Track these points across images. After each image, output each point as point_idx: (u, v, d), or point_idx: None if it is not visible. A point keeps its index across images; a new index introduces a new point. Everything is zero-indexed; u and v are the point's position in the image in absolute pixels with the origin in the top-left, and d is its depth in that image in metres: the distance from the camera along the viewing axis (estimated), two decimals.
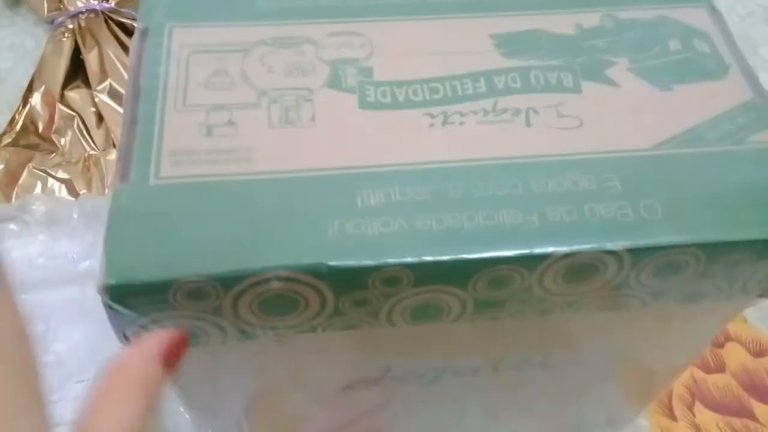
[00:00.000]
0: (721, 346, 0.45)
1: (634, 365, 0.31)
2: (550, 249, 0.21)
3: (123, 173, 0.22)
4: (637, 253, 0.22)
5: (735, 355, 0.45)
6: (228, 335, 0.22)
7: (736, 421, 0.42)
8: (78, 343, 0.32)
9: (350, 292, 0.21)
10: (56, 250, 0.31)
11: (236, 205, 0.22)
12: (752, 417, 0.42)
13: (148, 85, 0.24)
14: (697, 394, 0.43)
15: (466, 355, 0.27)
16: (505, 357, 0.28)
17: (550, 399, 0.33)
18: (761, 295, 0.25)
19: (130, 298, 0.20)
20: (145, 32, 0.26)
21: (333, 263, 0.21)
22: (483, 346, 0.27)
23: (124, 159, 0.22)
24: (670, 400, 0.43)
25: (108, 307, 0.21)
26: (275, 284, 0.21)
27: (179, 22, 0.26)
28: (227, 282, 0.20)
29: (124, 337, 0.22)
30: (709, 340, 0.31)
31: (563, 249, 0.21)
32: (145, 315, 0.21)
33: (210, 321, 0.22)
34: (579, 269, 0.22)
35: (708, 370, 0.44)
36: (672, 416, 0.42)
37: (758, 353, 0.45)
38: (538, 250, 0.21)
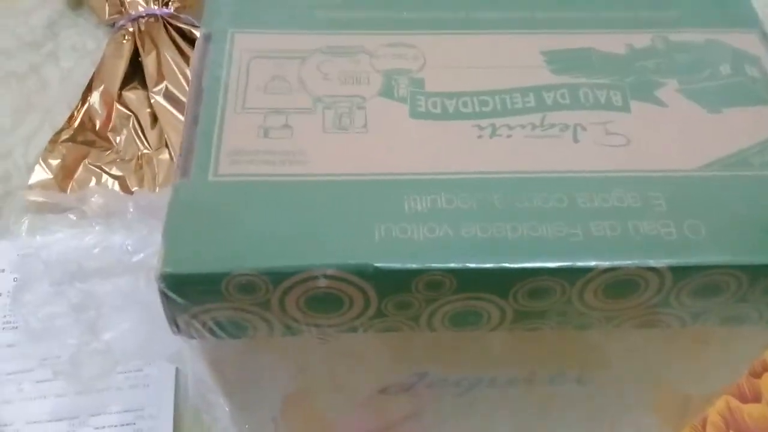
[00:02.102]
0: (758, 375, 0.44)
1: (669, 388, 0.31)
2: (592, 263, 0.22)
3: (184, 169, 0.23)
4: (678, 271, 0.22)
5: None
6: (274, 329, 0.23)
7: None
8: (126, 333, 0.34)
9: (394, 294, 0.22)
10: (111, 242, 0.33)
11: (289, 205, 0.23)
12: None
13: (209, 86, 0.25)
14: (731, 423, 0.42)
15: (502, 365, 0.28)
16: (541, 370, 0.28)
17: (583, 417, 0.33)
18: None
19: (185, 287, 0.21)
20: (208, 37, 0.27)
21: (379, 265, 0.21)
22: (519, 358, 0.27)
23: (185, 156, 0.24)
24: (704, 427, 0.42)
25: (163, 295, 0.22)
26: (322, 282, 0.22)
27: (241, 29, 0.27)
28: (276, 277, 0.21)
29: (175, 325, 0.23)
30: (745, 367, 0.31)
31: (605, 263, 0.22)
32: (197, 304, 0.22)
33: (258, 314, 0.22)
34: (620, 285, 0.22)
35: (744, 399, 0.43)
36: None
37: None
38: (580, 263, 0.22)
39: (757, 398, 0.44)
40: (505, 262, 0.22)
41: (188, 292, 0.22)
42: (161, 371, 0.37)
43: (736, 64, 0.27)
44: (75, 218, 0.34)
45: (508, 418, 0.33)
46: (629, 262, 0.22)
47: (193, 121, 0.24)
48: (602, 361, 0.28)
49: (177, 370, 0.39)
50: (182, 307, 0.22)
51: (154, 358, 0.35)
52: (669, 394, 0.32)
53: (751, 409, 0.43)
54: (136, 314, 0.32)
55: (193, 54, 0.27)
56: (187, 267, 0.21)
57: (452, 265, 0.22)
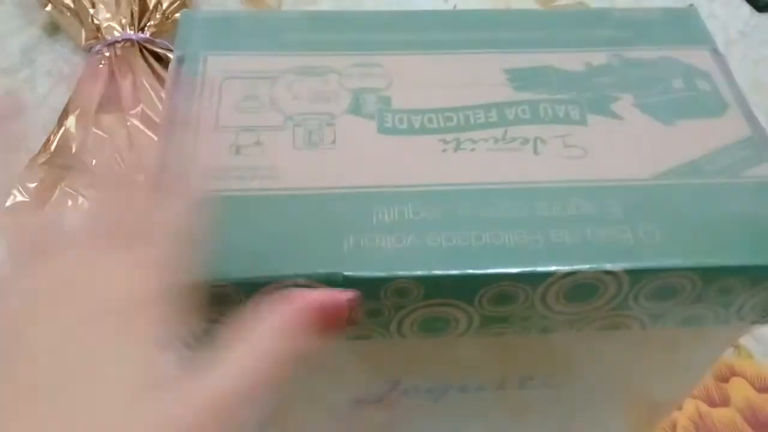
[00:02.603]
0: (726, 380, 0.46)
1: (635, 390, 0.32)
2: (552, 267, 0.23)
3: (158, 187, 0.24)
4: (635, 274, 0.23)
5: (740, 390, 0.45)
6: None
7: None
8: None
9: (364, 302, 0.23)
10: None
11: (260, 218, 0.23)
12: None
13: (183, 107, 0.26)
14: (701, 428, 0.43)
15: (473, 371, 0.29)
16: (511, 375, 0.29)
17: (554, 422, 0.34)
18: (756, 322, 0.26)
19: None
20: (181, 59, 0.28)
21: (348, 273, 0.22)
22: (489, 364, 0.28)
23: (158, 175, 0.24)
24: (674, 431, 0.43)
25: None
26: None
27: (213, 51, 0.28)
28: (249, 287, 0.22)
29: None
30: (707, 368, 0.32)
31: (565, 268, 0.23)
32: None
33: None
34: (580, 288, 0.23)
35: (713, 404, 0.45)
36: None
37: (763, 389, 0.45)
38: (541, 268, 0.23)
39: (725, 403, 0.45)
40: (470, 269, 0.23)
41: None
42: None
43: (688, 79, 0.29)
44: None
45: (481, 424, 0.33)
46: (587, 266, 0.23)
47: (167, 140, 0.25)
48: (569, 366, 0.29)
49: None
50: None
51: None
52: (636, 398, 0.33)
53: (720, 414, 0.44)
54: None
55: (167, 76, 0.28)
56: None
57: (419, 272, 0.22)
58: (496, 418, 0.33)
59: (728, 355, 0.46)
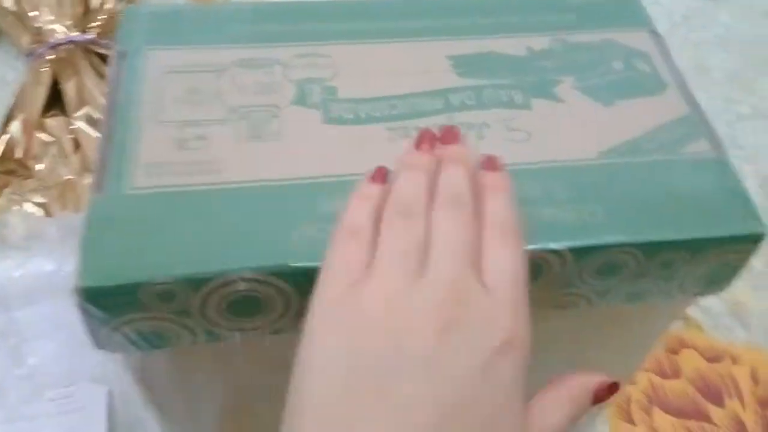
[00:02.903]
0: (676, 352, 0.47)
1: (586, 365, 0.33)
2: None
3: (98, 184, 0.24)
4: (578, 252, 0.23)
5: (690, 361, 0.46)
6: (197, 337, 0.24)
7: (693, 424, 0.44)
8: (51, 356, 0.33)
9: (311, 290, 0.23)
10: (33, 265, 0.32)
11: (205, 213, 0.23)
12: (708, 420, 0.44)
13: (124, 102, 0.26)
14: (654, 400, 0.45)
15: None
16: None
17: None
18: (698, 294, 0.27)
19: (103, 300, 0.22)
20: (123, 54, 0.27)
21: (296, 264, 0.22)
22: None
23: (100, 171, 0.24)
24: (628, 405, 0.44)
25: (82, 309, 0.22)
26: (241, 285, 0.22)
27: (155, 46, 0.28)
28: (195, 283, 0.22)
29: (97, 340, 0.23)
30: (656, 339, 0.33)
31: None
32: (117, 316, 0.22)
33: (179, 322, 0.23)
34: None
35: (665, 375, 0.46)
36: (631, 421, 0.44)
37: (713, 359, 0.47)
38: None
39: (677, 374, 0.46)
40: None
41: (107, 304, 0.22)
42: (92, 395, 0.37)
43: (628, 61, 0.30)
44: None
45: None
46: (532, 246, 0.23)
47: (108, 136, 0.25)
48: None
49: (109, 392, 0.39)
50: (102, 320, 0.22)
51: (81, 380, 0.34)
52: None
53: (672, 385, 0.45)
54: (61, 337, 0.32)
55: (108, 72, 0.27)
56: (103, 279, 0.21)
57: None
58: None
59: (678, 328, 0.48)
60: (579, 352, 0.31)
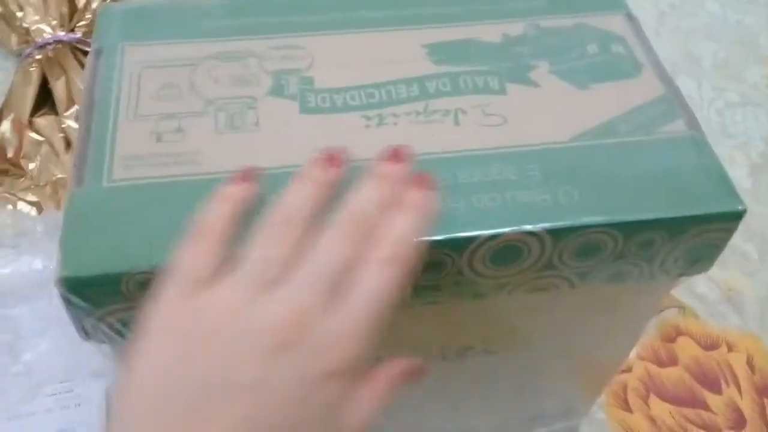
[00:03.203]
0: (673, 340, 0.47)
1: (578, 353, 0.33)
2: (475, 232, 0.23)
3: (78, 178, 0.24)
4: (556, 233, 0.24)
5: (687, 349, 0.46)
6: None
7: (690, 411, 0.44)
8: (47, 352, 0.33)
9: None
10: (22, 262, 0.33)
11: (184, 203, 0.23)
12: (705, 407, 0.44)
13: (101, 98, 0.26)
14: (651, 387, 0.45)
15: (411, 343, 0.29)
16: (450, 345, 0.29)
17: (503, 388, 0.35)
18: (682, 274, 0.27)
19: (86, 290, 0.22)
20: (99, 51, 0.28)
21: None
22: (426, 335, 0.29)
23: (79, 165, 0.24)
24: (625, 393, 0.44)
25: (65, 300, 0.22)
26: None
27: (131, 42, 0.28)
28: None
29: (83, 331, 0.23)
30: (645, 323, 0.33)
31: (487, 232, 0.23)
32: (101, 306, 0.22)
33: None
34: (505, 251, 0.24)
35: (661, 363, 0.46)
36: (628, 409, 0.44)
37: (709, 346, 0.47)
38: (463, 234, 0.23)
39: (673, 362, 0.46)
40: None
41: (90, 295, 0.22)
42: (91, 390, 0.37)
43: (603, 44, 0.30)
44: None
45: (433, 397, 0.34)
46: (509, 229, 0.23)
47: (86, 132, 0.25)
48: (507, 331, 0.30)
49: (107, 386, 0.39)
50: (86, 310, 0.22)
51: (79, 375, 0.34)
52: (580, 360, 0.34)
53: (668, 373, 0.45)
54: (55, 332, 0.32)
55: (85, 69, 0.28)
56: (85, 269, 0.22)
57: None
58: (446, 390, 0.34)
59: (673, 316, 0.48)
60: (568, 337, 0.31)
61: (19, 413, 0.34)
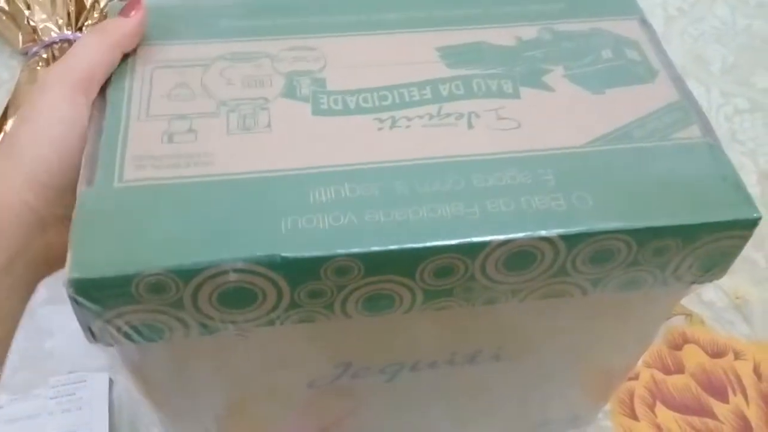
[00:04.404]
0: (679, 348, 0.47)
1: (587, 359, 0.33)
2: (488, 237, 0.23)
3: (88, 178, 0.24)
4: (570, 239, 0.23)
5: (693, 357, 0.46)
6: (190, 329, 0.24)
7: (696, 420, 0.43)
8: (65, 342, 0.34)
9: (305, 283, 0.23)
10: None
11: (195, 204, 0.23)
12: (711, 415, 0.44)
13: (113, 97, 0.26)
14: (657, 395, 0.44)
15: (421, 348, 0.29)
16: (460, 350, 0.29)
17: (510, 394, 0.34)
18: (695, 282, 0.27)
19: (95, 292, 0.22)
20: None
21: (286, 254, 0.22)
22: (437, 339, 0.28)
23: (90, 165, 0.24)
24: (631, 400, 0.44)
25: (74, 301, 0.22)
26: (232, 276, 0.22)
27: (144, 41, 0.28)
28: (186, 274, 0.22)
29: (90, 333, 0.23)
30: (656, 331, 0.32)
31: (501, 237, 0.23)
32: (109, 309, 0.22)
33: (172, 314, 0.23)
34: (518, 256, 0.24)
35: (668, 371, 0.46)
36: (634, 416, 0.43)
37: (716, 354, 0.46)
38: (477, 239, 0.23)
39: (680, 370, 0.46)
40: (408, 243, 0.23)
41: (99, 297, 0.22)
42: (93, 392, 0.37)
43: (618, 49, 0.29)
44: None
45: (439, 402, 0.34)
46: (522, 234, 0.23)
47: (98, 131, 0.25)
48: (517, 337, 0.29)
49: (111, 385, 0.39)
50: (95, 312, 0.22)
51: (88, 369, 0.35)
52: (589, 367, 0.34)
53: (675, 381, 0.45)
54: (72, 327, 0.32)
55: None
56: (95, 271, 0.21)
57: (357, 249, 0.22)
58: (453, 396, 0.33)
59: (680, 323, 0.48)
60: (577, 343, 0.30)
61: (23, 397, 0.35)
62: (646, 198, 0.24)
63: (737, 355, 0.47)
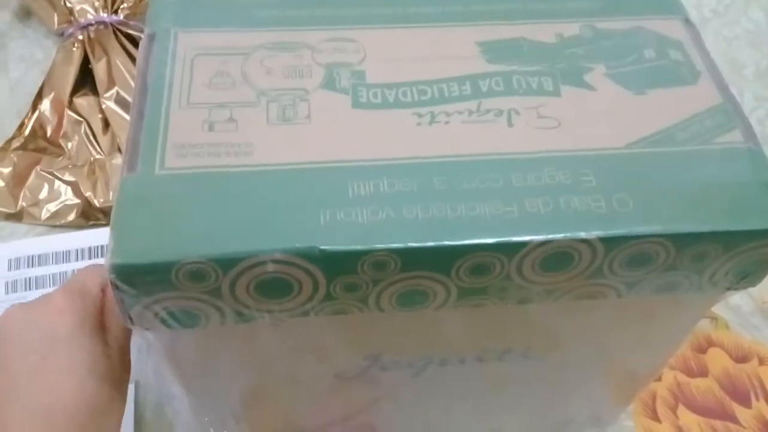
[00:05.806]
0: (704, 351, 0.46)
1: (614, 361, 0.33)
2: (527, 237, 0.23)
3: (130, 164, 0.24)
4: (608, 241, 0.23)
5: (717, 360, 0.46)
6: (226, 317, 0.24)
7: (718, 424, 0.43)
8: None
9: (341, 276, 0.23)
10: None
11: (235, 194, 0.23)
12: (734, 420, 0.43)
13: (154, 84, 0.26)
14: (680, 397, 0.44)
15: (451, 344, 0.29)
16: (489, 347, 0.29)
17: (535, 392, 0.34)
18: (729, 288, 0.27)
19: (136, 278, 0.22)
20: (152, 37, 0.28)
21: (324, 247, 0.22)
22: (467, 336, 0.28)
23: (132, 151, 0.24)
24: (654, 402, 0.44)
25: (114, 286, 0.22)
26: (270, 267, 0.22)
27: (184, 28, 0.28)
28: (225, 264, 0.22)
29: (129, 317, 0.23)
30: (684, 336, 0.32)
31: (539, 237, 0.23)
32: (149, 294, 0.22)
33: (209, 302, 0.23)
34: (555, 257, 0.23)
35: (691, 374, 0.45)
36: (656, 418, 0.43)
37: (740, 359, 0.46)
38: (515, 238, 0.23)
39: (703, 373, 0.45)
40: (446, 240, 0.23)
41: (139, 283, 0.22)
42: None
43: (660, 49, 0.29)
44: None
45: (463, 398, 0.34)
46: (561, 235, 0.23)
47: (139, 117, 0.25)
48: (548, 337, 0.29)
49: (136, 382, 0.39)
50: (134, 298, 0.22)
51: None
52: (615, 369, 0.34)
53: (698, 383, 0.45)
54: None
55: (138, 54, 0.28)
56: (136, 257, 0.22)
57: (395, 245, 0.22)
58: (478, 392, 0.33)
59: (705, 326, 0.47)
60: (607, 344, 0.30)
61: None
62: (686, 203, 0.24)
63: (762, 361, 0.46)
